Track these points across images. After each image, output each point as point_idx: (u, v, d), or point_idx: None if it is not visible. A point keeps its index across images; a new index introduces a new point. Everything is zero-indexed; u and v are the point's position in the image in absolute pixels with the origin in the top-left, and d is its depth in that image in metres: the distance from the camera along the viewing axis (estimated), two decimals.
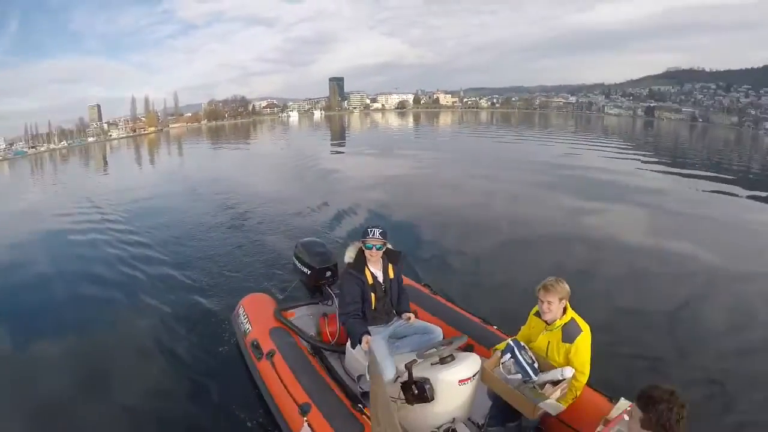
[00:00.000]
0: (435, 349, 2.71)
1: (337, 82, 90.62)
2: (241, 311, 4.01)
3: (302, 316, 4.01)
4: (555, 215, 9.25)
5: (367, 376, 2.84)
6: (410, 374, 2.63)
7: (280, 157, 21.36)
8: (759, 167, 23.76)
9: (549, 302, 2.69)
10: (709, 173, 17.98)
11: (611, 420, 2.45)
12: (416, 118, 60.87)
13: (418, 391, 2.62)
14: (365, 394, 2.91)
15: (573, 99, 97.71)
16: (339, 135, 34.53)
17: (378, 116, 75.36)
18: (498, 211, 9.73)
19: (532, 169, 15.46)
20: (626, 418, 2.29)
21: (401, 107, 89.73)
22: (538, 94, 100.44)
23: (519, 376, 2.71)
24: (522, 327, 3.01)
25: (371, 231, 3.12)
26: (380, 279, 3.17)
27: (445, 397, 2.64)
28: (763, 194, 12.70)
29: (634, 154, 24.63)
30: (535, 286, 2.76)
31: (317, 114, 78.57)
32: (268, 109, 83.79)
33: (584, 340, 2.71)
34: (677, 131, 59.98)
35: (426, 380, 2.62)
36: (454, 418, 2.73)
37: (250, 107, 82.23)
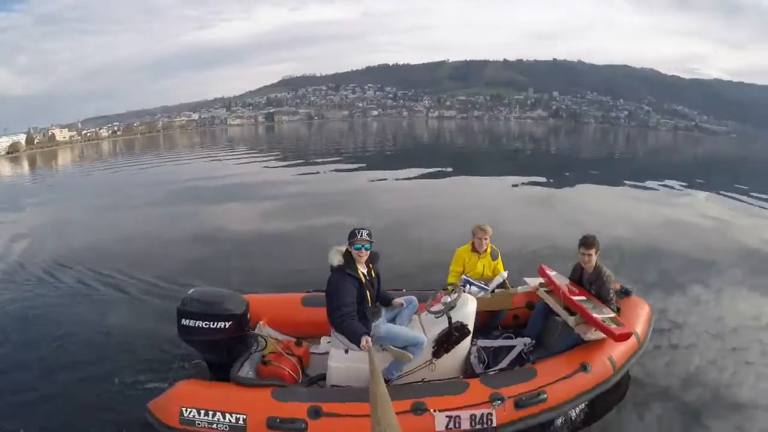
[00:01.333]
0: (450, 300, 3.38)
1: None
2: (193, 414, 2.90)
3: (245, 375, 3.31)
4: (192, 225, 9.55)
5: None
6: (450, 320, 3.27)
7: None
8: (372, 145, 33.77)
9: (486, 239, 4.16)
10: (331, 158, 24.08)
11: (543, 283, 4.05)
12: (32, 163, 46.67)
13: (458, 334, 3.28)
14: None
15: (196, 116, 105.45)
16: None
17: None
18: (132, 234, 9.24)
19: (162, 191, 15.11)
20: (550, 273, 4.07)
21: (13, 151, 76.30)
22: (161, 116, 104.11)
23: (482, 293, 3.96)
24: (452, 267, 4.30)
25: (359, 232, 3.18)
26: (368, 277, 3.32)
27: (471, 326, 3.44)
28: (378, 167, 19.40)
29: (259, 155, 28.03)
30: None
31: None
32: None
33: (499, 256, 4.32)
34: (297, 130, 73.25)
35: (459, 322, 3.30)
36: (475, 340, 3.63)
37: None
